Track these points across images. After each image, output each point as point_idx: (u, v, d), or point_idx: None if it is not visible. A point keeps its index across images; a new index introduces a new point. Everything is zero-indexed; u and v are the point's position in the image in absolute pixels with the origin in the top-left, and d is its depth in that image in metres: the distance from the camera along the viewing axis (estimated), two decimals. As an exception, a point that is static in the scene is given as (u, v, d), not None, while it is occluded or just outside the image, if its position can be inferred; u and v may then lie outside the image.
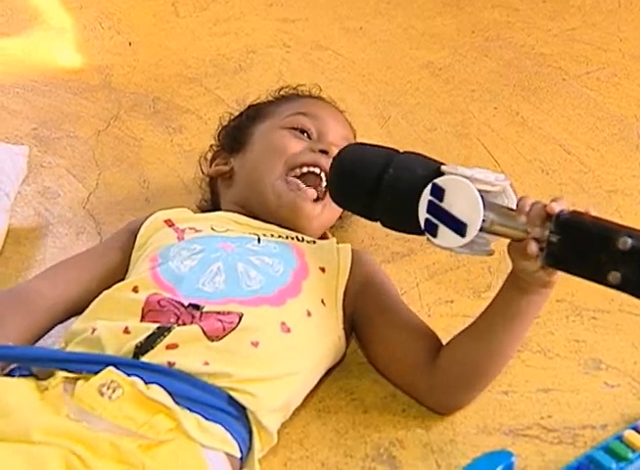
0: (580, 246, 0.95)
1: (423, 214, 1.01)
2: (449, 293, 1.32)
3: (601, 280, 0.93)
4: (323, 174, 1.26)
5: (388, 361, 1.15)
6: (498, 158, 1.62)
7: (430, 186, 1.00)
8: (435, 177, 1.01)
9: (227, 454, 0.98)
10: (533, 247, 0.96)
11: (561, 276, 1.02)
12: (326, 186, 1.25)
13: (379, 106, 1.78)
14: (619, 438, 1.04)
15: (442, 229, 1.00)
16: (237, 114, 1.44)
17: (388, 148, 1.10)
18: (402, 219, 1.05)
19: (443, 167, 1.02)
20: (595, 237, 0.93)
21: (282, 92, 1.44)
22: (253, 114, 1.38)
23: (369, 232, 1.43)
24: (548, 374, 1.18)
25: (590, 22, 2.07)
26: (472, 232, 0.99)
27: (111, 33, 2.08)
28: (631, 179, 1.55)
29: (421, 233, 1.03)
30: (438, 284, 1.34)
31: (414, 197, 1.02)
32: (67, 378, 0.97)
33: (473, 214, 0.98)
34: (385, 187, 1.04)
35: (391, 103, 1.79)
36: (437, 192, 1.00)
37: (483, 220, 0.98)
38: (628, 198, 1.50)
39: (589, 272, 0.95)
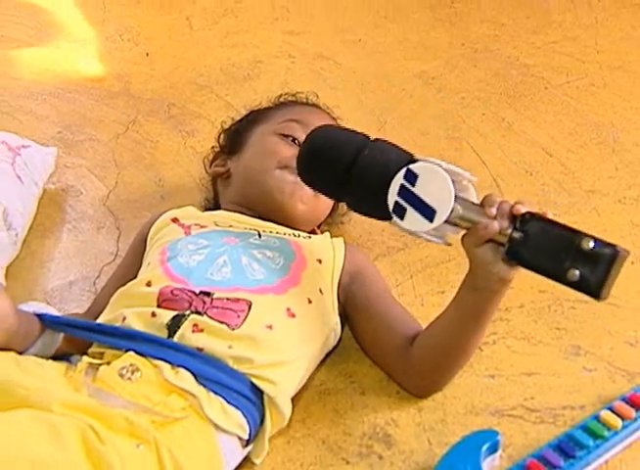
0: (543, 243, 0.93)
1: (393, 197, 0.99)
2: (441, 284, 1.31)
3: (559, 277, 0.92)
4: None
5: (371, 346, 1.15)
6: (486, 160, 1.61)
7: (404, 170, 0.99)
8: (409, 164, 0.99)
9: (237, 437, 0.97)
10: (496, 225, 0.95)
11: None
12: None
13: (376, 112, 1.77)
14: (596, 417, 1.03)
15: (411, 213, 0.98)
16: (238, 118, 1.43)
17: (360, 133, 1.06)
18: (370, 201, 1.02)
19: (417, 156, 1.00)
20: (560, 236, 0.92)
21: (281, 99, 1.43)
22: (252, 118, 1.38)
23: (366, 228, 1.42)
24: (531, 359, 1.17)
25: (570, 36, 2.06)
26: (440, 218, 0.97)
27: (130, 45, 2.07)
28: (608, 180, 1.54)
29: (383, 218, 1.01)
30: (431, 276, 1.33)
31: (386, 180, 0.99)
32: (91, 364, 0.97)
33: (443, 201, 0.97)
34: (359, 167, 1.01)
35: (387, 109, 1.78)
36: (411, 177, 0.98)
37: (452, 210, 0.97)
38: (605, 197, 1.50)
39: (548, 268, 0.93)
